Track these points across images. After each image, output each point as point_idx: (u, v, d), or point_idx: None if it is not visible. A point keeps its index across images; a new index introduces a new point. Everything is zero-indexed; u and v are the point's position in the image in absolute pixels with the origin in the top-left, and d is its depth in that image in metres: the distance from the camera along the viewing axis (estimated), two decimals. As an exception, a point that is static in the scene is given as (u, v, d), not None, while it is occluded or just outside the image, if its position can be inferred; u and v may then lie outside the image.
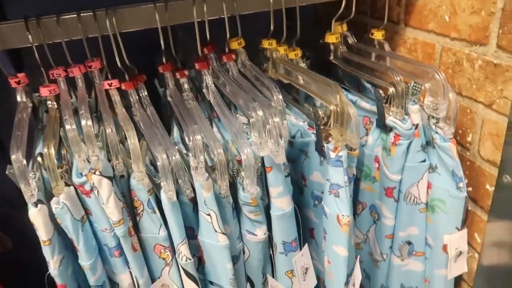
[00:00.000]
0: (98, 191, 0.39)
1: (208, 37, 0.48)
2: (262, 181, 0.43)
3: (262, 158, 0.41)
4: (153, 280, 0.45)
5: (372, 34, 0.55)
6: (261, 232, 0.44)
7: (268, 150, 0.39)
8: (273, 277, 0.48)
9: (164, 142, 0.39)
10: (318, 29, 0.56)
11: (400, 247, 0.54)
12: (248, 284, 0.47)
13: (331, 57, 0.56)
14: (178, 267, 0.44)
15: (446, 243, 0.49)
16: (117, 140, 0.39)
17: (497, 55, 0.41)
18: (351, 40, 0.55)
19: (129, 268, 0.42)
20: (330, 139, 0.41)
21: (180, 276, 0.44)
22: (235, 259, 0.45)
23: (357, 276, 0.48)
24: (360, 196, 0.55)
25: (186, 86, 0.50)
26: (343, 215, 0.43)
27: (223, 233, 0.41)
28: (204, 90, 0.50)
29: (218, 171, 0.39)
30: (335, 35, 0.54)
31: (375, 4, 0.58)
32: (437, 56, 0.50)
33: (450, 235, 0.49)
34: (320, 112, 0.41)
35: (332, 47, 0.55)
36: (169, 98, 0.50)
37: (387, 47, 0.54)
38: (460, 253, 0.50)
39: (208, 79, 0.49)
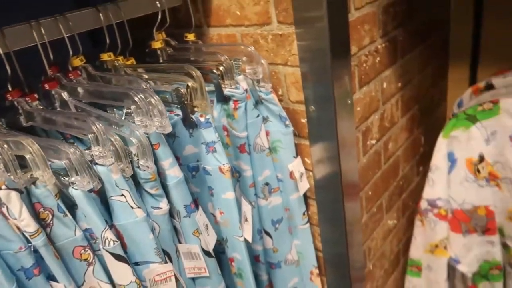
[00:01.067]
0: (7, 207, 0.38)
1: (52, 57, 0.52)
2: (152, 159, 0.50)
3: (149, 138, 0.49)
4: (79, 289, 0.45)
5: (186, 37, 0.69)
6: (164, 204, 0.51)
7: (154, 127, 0.47)
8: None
9: (59, 143, 0.42)
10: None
11: (262, 190, 0.69)
12: (167, 259, 0.53)
13: (161, 60, 0.67)
14: (101, 263, 0.46)
15: (291, 170, 0.67)
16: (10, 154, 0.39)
17: (279, 28, 0.61)
18: (173, 42, 0.67)
19: (53, 280, 0.42)
20: (195, 109, 0.52)
21: (106, 272, 0.46)
22: (150, 236, 0.50)
23: (247, 211, 0.60)
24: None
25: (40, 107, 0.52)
26: (223, 164, 0.54)
27: (138, 207, 0.46)
28: (59, 108, 0.53)
29: (120, 154, 0.44)
30: (159, 41, 0.65)
31: (178, 15, 0.72)
32: (240, 41, 0.67)
33: (292, 164, 0.67)
34: (181, 90, 0.51)
35: (159, 51, 0.66)
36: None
37: (201, 43, 0.69)
38: (302, 174, 0.69)
39: (64, 95, 0.52)
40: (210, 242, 0.57)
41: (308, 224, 0.74)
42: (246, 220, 0.61)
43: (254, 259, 0.76)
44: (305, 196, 0.72)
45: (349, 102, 0.63)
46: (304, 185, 0.69)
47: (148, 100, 0.46)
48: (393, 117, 0.78)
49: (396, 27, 0.71)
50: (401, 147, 0.84)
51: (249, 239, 0.61)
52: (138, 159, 0.47)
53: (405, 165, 0.87)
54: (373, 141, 0.73)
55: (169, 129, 0.47)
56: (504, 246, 0.81)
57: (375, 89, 0.69)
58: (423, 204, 0.82)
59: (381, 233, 0.84)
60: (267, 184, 0.68)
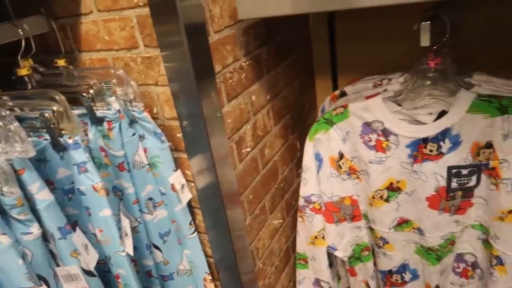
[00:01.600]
0: None
1: None
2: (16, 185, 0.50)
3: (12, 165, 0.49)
4: None
5: (56, 63, 0.70)
6: (35, 229, 0.51)
7: (16, 153, 0.48)
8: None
9: None
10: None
11: (146, 205, 0.71)
12: (42, 282, 0.53)
13: (29, 87, 0.66)
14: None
15: (172, 182, 0.71)
16: None
17: (146, 51, 0.65)
18: (41, 69, 0.67)
19: None
20: (63, 132, 0.54)
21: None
22: (21, 264, 0.49)
23: (126, 225, 0.62)
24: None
25: None
26: (96, 183, 0.56)
27: (3, 234, 0.46)
28: None
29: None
30: (25, 68, 0.65)
31: (48, 41, 0.72)
32: (111, 65, 0.69)
33: (172, 177, 0.71)
34: (46, 115, 0.53)
35: (26, 78, 0.66)
36: None
37: (72, 68, 0.70)
38: (183, 186, 0.73)
39: None
40: (90, 261, 0.58)
41: (196, 233, 0.78)
42: (126, 234, 0.63)
43: (146, 274, 0.78)
44: (190, 206, 0.77)
45: (219, 115, 0.69)
46: (186, 196, 0.74)
47: (7, 127, 0.47)
48: (266, 126, 0.86)
49: (258, 46, 0.80)
50: (277, 152, 0.93)
51: (131, 253, 0.63)
52: (1, 186, 0.47)
53: (284, 169, 0.97)
54: (248, 149, 0.80)
55: (32, 153, 0.48)
56: (370, 229, 0.94)
57: (244, 102, 0.77)
58: (301, 202, 0.91)
59: (267, 232, 0.92)
60: (150, 199, 0.71)
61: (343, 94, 0.92)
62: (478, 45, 0.88)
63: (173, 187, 0.71)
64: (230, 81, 0.72)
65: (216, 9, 0.66)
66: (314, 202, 0.90)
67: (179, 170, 0.72)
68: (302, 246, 0.97)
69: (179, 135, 0.70)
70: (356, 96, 0.88)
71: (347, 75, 1.03)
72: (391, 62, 0.90)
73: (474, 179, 0.80)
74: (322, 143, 0.86)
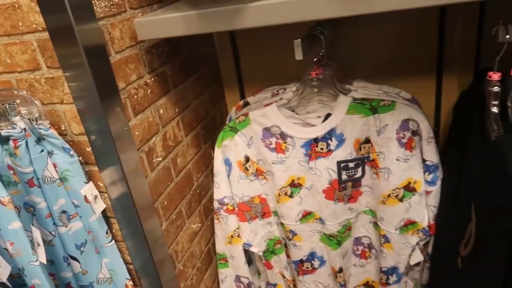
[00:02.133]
0: None
1: None
2: None
3: None
4: None
5: (-43, 86, 0.71)
6: None
7: None
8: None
9: None
10: None
11: (60, 218, 0.75)
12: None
13: None
14: None
15: (84, 194, 0.75)
16: None
17: (49, 72, 0.69)
18: None
19: None
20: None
21: None
22: None
23: (37, 235, 0.65)
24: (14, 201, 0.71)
25: None
26: (3, 197, 0.59)
27: None
28: None
29: None
30: None
31: None
32: (15, 86, 0.73)
33: (84, 189, 0.75)
34: None
35: None
36: None
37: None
38: (96, 197, 0.77)
39: None
40: (3, 273, 0.60)
41: (113, 242, 0.82)
42: (38, 244, 0.66)
43: (66, 287, 0.80)
44: (106, 216, 0.81)
45: (125, 128, 0.75)
46: (100, 206, 0.78)
47: None
48: (177, 136, 0.93)
49: (162, 64, 0.87)
50: (191, 160, 1.00)
51: (44, 262, 0.66)
52: None
53: (198, 176, 1.04)
54: (159, 159, 0.86)
55: None
56: (280, 224, 1.04)
57: (151, 115, 0.83)
58: (215, 205, 0.99)
59: (186, 236, 0.98)
60: (64, 212, 0.75)
61: (246, 104, 1.02)
62: (356, 56, 1.03)
63: (85, 198, 0.75)
64: (136, 96, 0.79)
65: (115, 31, 0.72)
66: (227, 204, 0.98)
67: (91, 182, 0.76)
68: (220, 246, 1.04)
69: (88, 149, 0.74)
70: (257, 105, 0.98)
71: (252, 86, 1.14)
72: (288, 73, 1.01)
73: (359, 170, 0.94)
74: (230, 149, 0.95)
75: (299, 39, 0.70)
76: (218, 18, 0.68)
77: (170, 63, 0.90)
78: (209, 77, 1.09)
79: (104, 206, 0.78)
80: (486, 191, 0.65)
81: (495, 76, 0.67)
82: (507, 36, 0.64)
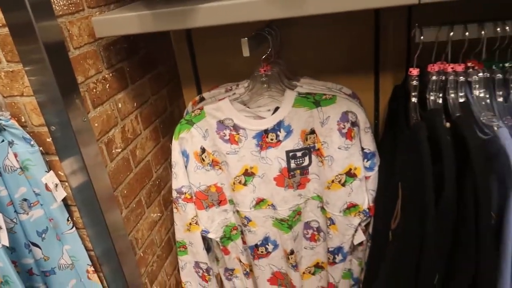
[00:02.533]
0: None
1: None
2: None
3: None
4: None
5: None
6: None
7: None
8: None
9: None
10: None
11: (21, 206, 0.78)
12: None
13: None
14: None
15: (45, 183, 0.79)
16: None
17: (9, 66, 0.73)
18: None
19: None
20: None
21: None
22: None
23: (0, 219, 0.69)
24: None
25: None
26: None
27: None
28: None
29: None
30: None
31: None
32: (-24, 80, 0.76)
33: (45, 177, 0.79)
34: None
35: None
36: None
37: None
38: (56, 185, 0.81)
39: None
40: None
41: (74, 229, 0.86)
42: (0, 228, 0.70)
43: (28, 273, 0.84)
44: (67, 205, 0.85)
45: (85, 120, 0.80)
46: (61, 194, 0.82)
47: None
48: (135, 129, 0.99)
49: (121, 60, 0.92)
50: (150, 153, 1.06)
51: (7, 244, 0.70)
52: None
53: (158, 168, 1.09)
54: (119, 150, 0.92)
55: None
56: (236, 211, 1.11)
57: (110, 108, 0.88)
58: (174, 194, 1.05)
59: (146, 225, 1.03)
60: (25, 199, 0.78)
61: (202, 99, 1.09)
62: (303, 55, 1.13)
63: (46, 187, 0.79)
64: (95, 90, 0.83)
65: (74, 29, 0.77)
66: (185, 193, 1.05)
67: (51, 171, 0.80)
68: (180, 234, 1.10)
69: (49, 139, 0.78)
70: (212, 100, 1.05)
71: (208, 84, 1.21)
72: (241, 71, 1.09)
73: (307, 159, 1.03)
74: (187, 141, 1.01)
75: (246, 38, 0.78)
76: (171, 18, 0.74)
77: (128, 60, 0.95)
78: (166, 75, 1.15)
79: (65, 194, 0.82)
80: (405, 168, 0.75)
81: (414, 71, 0.78)
82: (422, 37, 0.74)
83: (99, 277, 0.92)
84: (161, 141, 1.12)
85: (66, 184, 0.83)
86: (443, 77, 0.77)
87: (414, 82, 0.77)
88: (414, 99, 0.77)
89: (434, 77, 0.77)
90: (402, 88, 0.96)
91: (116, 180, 0.91)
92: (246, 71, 1.06)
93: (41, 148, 0.78)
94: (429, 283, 0.66)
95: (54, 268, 0.85)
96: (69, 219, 0.85)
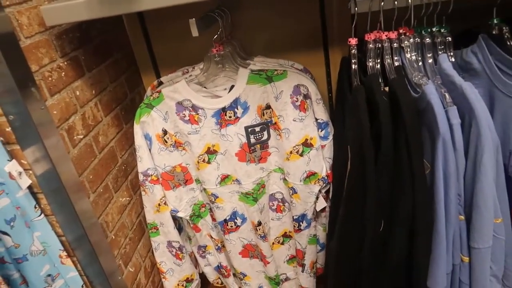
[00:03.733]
0: None
1: None
2: None
3: None
4: None
5: None
6: None
7: None
8: None
9: None
10: None
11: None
12: None
13: None
14: None
15: (8, 171, 0.81)
16: None
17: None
18: None
19: None
20: None
21: None
22: None
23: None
24: None
25: None
26: None
27: None
28: None
29: None
30: None
31: None
32: None
33: (7, 166, 0.81)
34: None
35: None
36: None
37: None
38: (20, 173, 0.83)
39: None
40: None
41: (42, 216, 0.88)
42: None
43: (0, 262, 0.86)
44: (33, 192, 0.87)
45: (43, 108, 0.82)
46: (25, 182, 0.84)
47: None
48: (96, 116, 1.01)
49: (75, 49, 0.94)
50: (113, 139, 1.08)
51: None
52: None
53: (122, 153, 1.12)
54: (80, 136, 0.94)
55: None
56: (203, 190, 1.15)
57: (68, 96, 0.91)
58: (140, 177, 1.08)
59: (115, 208, 1.06)
60: None
61: (160, 83, 1.12)
62: (255, 35, 1.17)
63: (10, 175, 0.81)
64: (50, 78, 0.85)
65: (23, 18, 0.79)
66: (152, 175, 1.08)
67: (14, 160, 0.82)
68: (150, 216, 1.14)
69: (8, 129, 0.80)
70: (169, 83, 1.09)
71: (167, 68, 1.24)
72: (197, 54, 1.12)
73: (265, 134, 1.08)
74: (148, 124, 1.05)
75: (194, 18, 0.82)
76: (117, 2, 0.77)
77: (82, 48, 0.97)
78: (124, 62, 1.17)
79: (30, 182, 0.84)
80: (350, 130, 0.82)
81: (353, 41, 0.84)
82: (356, 9, 0.80)
83: (73, 261, 0.95)
84: (124, 128, 1.14)
85: (31, 172, 0.85)
86: (379, 44, 0.84)
87: (353, 51, 0.83)
88: (354, 66, 0.84)
89: (371, 45, 0.83)
90: (347, 59, 1.02)
91: (80, 166, 0.93)
92: (202, 54, 1.09)
93: (1, 138, 0.80)
94: (375, 232, 0.73)
95: (26, 255, 0.88)
96: (37, 206, 0.87)
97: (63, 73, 0.90)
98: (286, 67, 1.06)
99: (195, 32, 0.81)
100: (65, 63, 0.91)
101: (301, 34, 1.15)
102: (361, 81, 0.82)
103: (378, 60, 0.83)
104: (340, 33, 1.14)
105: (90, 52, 1.00)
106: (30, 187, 0.86)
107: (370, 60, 0.83)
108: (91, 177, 0.97)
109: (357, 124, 0.73)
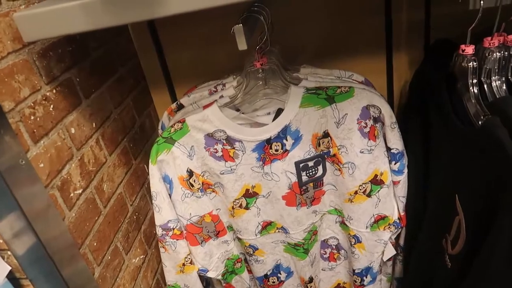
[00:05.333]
0: None
1: None
2: None
3: None
4: None
5: None
6: None
7: None
8: None
9: None
10: None
11: None
12: None
13: None
14: None
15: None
16: None
17: None
18: None
19: None
20: None
21: None
22: None
23: None
24: None
25: None
26: None
27: None
28: None
29: None
30: None
31: None
32: None
33: (-26, 252, 0.55)
34: None
35: None
36: None
37: None
38: (-7, 259, 0.57)
39: None
40: None
41: (30, 308, 0.63)
42: None
43: None
44: (15, 279, 0.61)
45: (23, 162, 0.56)
46: (4, 269, 0.58)
47: None
48: (98, 158, 0.75)
49: (67, 69, 0.68)
50: (121, 183, 0.82)
51: None
52: None
53: (133, 198, 0.86)
54: (79, 191, 0.68)
55: None
56: (238, 239, 0.90)
57: (60, 138, 0.64)
58: (159, 231, 0.82)
59: (128, 275, 0.81)
60: None
61: (181, 106, 0.86)
62: (298, 37, 0.91)
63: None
64: (33, 117, 0.59)
65: (-14, 32, 0.52)
66: (173, 229, 0.82)
67: (-17, 241, 0.56)
68: (171, 276, 0.88)
69: (-28, 198, 0.54)
70: (193, 107, 0.82)
71: (184, 84, 0.97)
72: (222, 64, 0.87)
73: (320, 168, 0.83)
74: (168, 164, 0.79)
75: (240, 24, 0.55)
76: (130, 6, 0.50)
77: (77, 66, 0.71)
78: (130, 79, 0.91)
79: (9, 268, 0.58)
80: (470, 179, 0.57)
81: (469, 49, 0.58)
82: (482, 2, 0.54)
83: None
84: (133, 164, 0.88)
85: (9, 253, 0.59)
86: (505, 52, 0.58)
87: (473, 64, 0.57)
88: (474, 88, 0.58)
89: (495, 54, 0.57)
90: (431, 71, 0.76)
91: (80, 234, 0.67)
92: (226, 65, 0.84)
93: (-39, 212, 0.53)
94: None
95: None
96: (21, 297, 0.61)
97: (52, 106, 0.63)
98: (348, 81, 0.80)
99: (242, 44, 0.55)
100: (54, 91, 0.64)
101: (357, 34, 0.90)
102: (484, 106, 0.56)
103: (504, 77, 0.58)
104: (408, 34, 0.88)
105: (87, 71, 0.73)
106: (11, 272, 0.59)
107: (493, 76, 0.58)
108: (95, 244, 0.71)
109: (493, 176, 0.48)
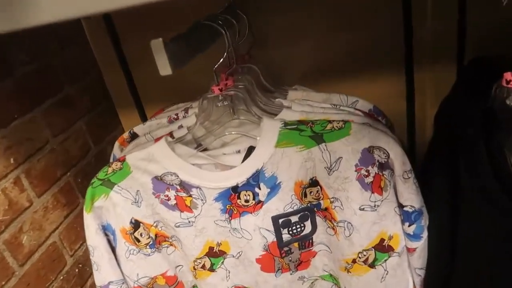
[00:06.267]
0: None
1: None
2: None
3: None
4: None
5: None
6: None
7: None
8: None
9: None
10: None
11: None
12: None
13: None
14: None
15: None
16: None
17: None
18: None
19: None
20: None
21: None
22: None
23: None
24: None
25: None
26: None
27: None
28: None
29: None
30: None
31: None
32: None
33: None
34: None
35: None
36: None
37: None
38: None
39: None
40: None
41: None
42: None
43: None
44: None
45: None
46: None
47: None
48: (16, 202, 0.58)
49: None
50: (56, 230, 0.66)
51: None
52: None
53: (75, 247, 0.70)
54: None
55: None
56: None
57: None
58: (99, 293, 0.65)
59: None
60: None
61: (134, 136, 0.68)
62: (291, 49, 0.71)
63: None
64: None
65: None
66: (117, 291, 0.65)
67: None
68: None
69: None
70: (146, 139, 0.65)
71: (154, 104, 0.80)
72: (194, 83, 0.69)
73: (308, 224, 0.62)
74: (108, 211, 0.61)
75: (160, 39, 0.37)
76: None
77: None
78: (82, 99, 0.74)
79: None
80: None
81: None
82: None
83: None
84: (79, 204, 0.72)
85: None
86: None
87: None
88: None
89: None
90: (464, 103, 0.54)
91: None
92: (201, 83, 0.66)
93: None
94: None
95: None
96: None
97: None
98: (346, 112, 0.60)
99: (164, 68, 0.37)
100: None
101: (368, 47, 0.69)
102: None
103: None
104: (434, 50, 0.66)
105: (6, 93, 0.57)
106: None
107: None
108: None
109: None
